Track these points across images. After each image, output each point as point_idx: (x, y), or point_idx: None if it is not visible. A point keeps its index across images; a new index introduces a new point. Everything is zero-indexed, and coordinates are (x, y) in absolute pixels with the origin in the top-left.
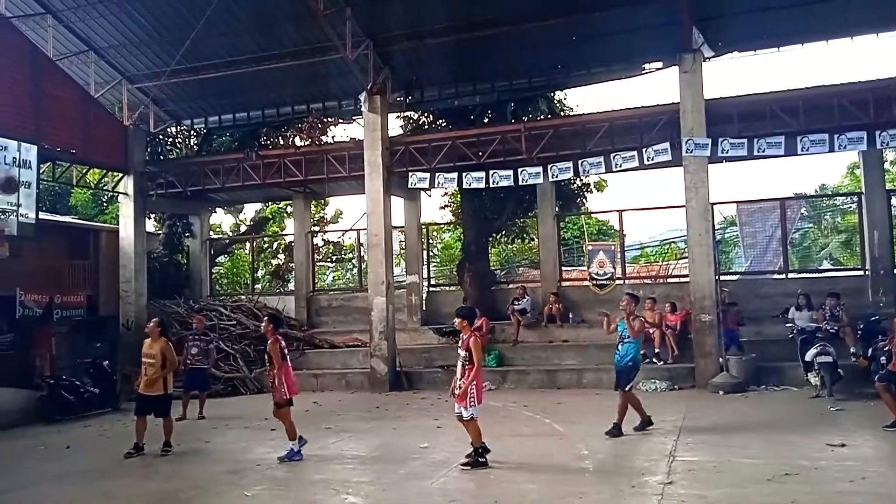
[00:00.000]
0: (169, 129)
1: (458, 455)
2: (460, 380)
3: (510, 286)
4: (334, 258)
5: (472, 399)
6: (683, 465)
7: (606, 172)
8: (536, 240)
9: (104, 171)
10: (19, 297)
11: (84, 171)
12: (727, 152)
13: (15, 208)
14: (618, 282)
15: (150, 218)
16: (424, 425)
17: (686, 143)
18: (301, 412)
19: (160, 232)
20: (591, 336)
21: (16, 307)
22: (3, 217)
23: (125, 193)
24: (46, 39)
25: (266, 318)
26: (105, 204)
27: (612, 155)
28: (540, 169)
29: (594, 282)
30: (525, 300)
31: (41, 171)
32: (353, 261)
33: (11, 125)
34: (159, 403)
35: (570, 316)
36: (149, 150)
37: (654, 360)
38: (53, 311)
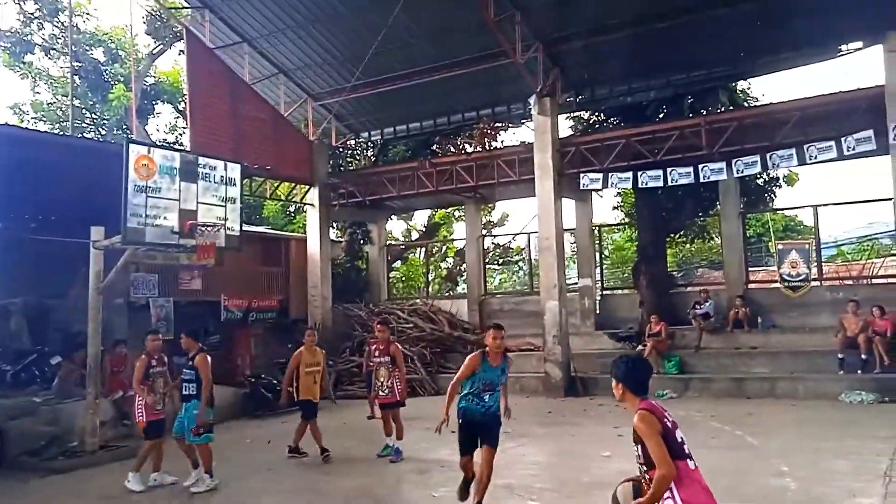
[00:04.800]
0: (348, 142)
1: None
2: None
3: (688, 289)
4: (501, 261)
5: None
6: None
7: (799, 165)
8: (717, 239)
9: (293, 184)
10: (223, 302)
11: (276, 184)
12: None
13: (223, 222)
14: (813, 283)
15: (332, 226)
16: (603, 433)
17: (893, 129)
18: None
19: (342, 239)
20: (784, 342)
21: (221, 311)
22: (213, 230)
23: (311, 204)
24: (242, 66)
25: (379, 322)
26: (293, 214)
27: (805, 146)
28: (723, 164)
29: (786, 283)
30: (708, 304)
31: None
32: (520, 263)
33: (218, 147)
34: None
35: (759, 320)
36: (331, 162)
37: (861, 369)
38: (250, 315)
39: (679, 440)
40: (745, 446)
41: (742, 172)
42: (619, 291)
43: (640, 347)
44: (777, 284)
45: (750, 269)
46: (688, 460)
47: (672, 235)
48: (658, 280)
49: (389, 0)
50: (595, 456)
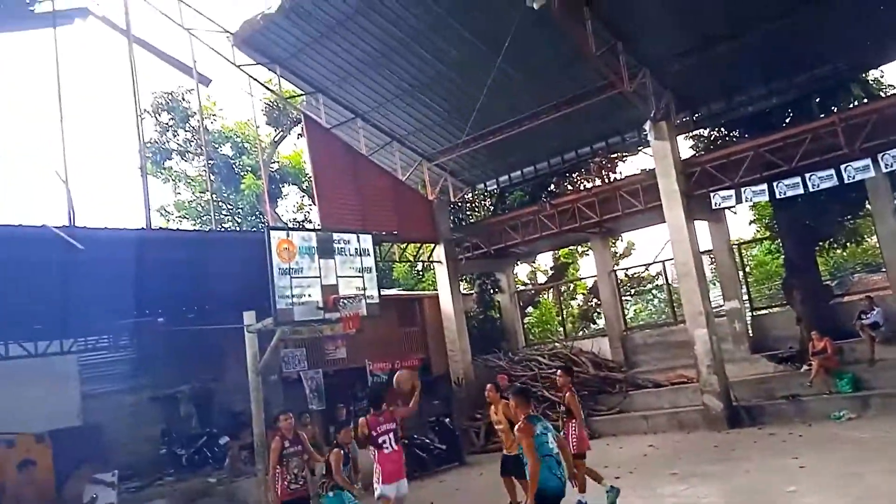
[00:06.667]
0: (466, 196)
1: (835, 499)
2: None
3: (845, 298)
4: (633, 292)
5: None
6: None
7: None
8: (873, 240)
9: (418, 244)
10: (368, 367)
11: (403, 247)
12: None
13: (363, 292)
14: None
15: (461, 280)
16: (782, 465)
17: None
18: (639, 456)
19: (472, 291)
20: None
21: (367, 376)
22: (355, 301)
23: (438, 261)
24: (358, 139)
25: (561, 370)
26: (421, 273)
27: None
28: (868, 161)
29: None
30: (875, 312)
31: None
32: (654, 291)
33: (346, 220)
34: (515, 463)
35: None
36: (452, 218)
37: None
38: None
39: (380, 441)
40: None
41: (892, 166)
42: (771, 310)
43: (804, 367)
44: None
45: None
46: (382, 448)
47: (820, 243)
48: (813, 292)
49: (489, 52)
50: (780, 492)
